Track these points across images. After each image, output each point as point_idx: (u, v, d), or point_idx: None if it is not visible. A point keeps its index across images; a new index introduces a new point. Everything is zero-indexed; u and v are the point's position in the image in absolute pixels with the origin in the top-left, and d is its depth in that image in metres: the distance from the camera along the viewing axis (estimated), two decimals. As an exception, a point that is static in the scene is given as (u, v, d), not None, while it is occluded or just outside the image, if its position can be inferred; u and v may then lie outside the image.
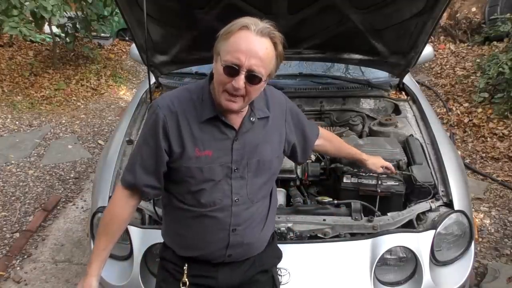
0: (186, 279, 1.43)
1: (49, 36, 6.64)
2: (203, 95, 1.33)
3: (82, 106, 5.78)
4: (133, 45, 2.89)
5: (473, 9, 7.50)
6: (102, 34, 6.79)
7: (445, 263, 1.86)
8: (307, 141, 1.60)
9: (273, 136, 1.43)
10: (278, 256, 1.61)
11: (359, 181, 2.03)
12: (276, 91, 1.51)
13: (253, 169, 1.38)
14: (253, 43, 1.20)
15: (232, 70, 1.21)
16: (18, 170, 4.08)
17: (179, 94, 1.37)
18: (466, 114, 4.92)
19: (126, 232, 1.86)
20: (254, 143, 1.37)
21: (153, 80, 2.75)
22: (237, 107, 1.28)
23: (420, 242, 1.81)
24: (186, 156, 1.32)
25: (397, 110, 2.75)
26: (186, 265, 1.44)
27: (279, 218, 1.82)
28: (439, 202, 1.95)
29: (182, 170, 1.34)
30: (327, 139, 1.76)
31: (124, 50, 7.71)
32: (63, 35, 6.25)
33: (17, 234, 3.19)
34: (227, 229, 1.38)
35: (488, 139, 4.40)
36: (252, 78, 1.22)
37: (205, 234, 1.40)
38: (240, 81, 1.21)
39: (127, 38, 8.19)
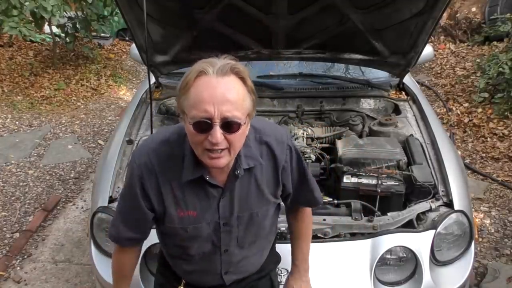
0: None
1: (49, 36, 6.64)
2: (185, 152, 1.17)
3: (82, 106, 5.77)
4: (133, 45, 2.89)
5: (473, 9, 7.50)
6: (102, 34, 6.79)
7: (445, 263, 1.86)
8: (300, 194, 1.39)
9: (266, 185, 1.27)
10: (277, 260, 1.59)
11: (359, 181, 2.04)
12: (277, 137, 1.27)
13: (245, 221, 1.28)
14: (216, 87, 1.03)
15: (203, 125, 1.04)
16: (18, 170, 4.08)
17: (159, 149, 1.20)
18: (466, 114, 4.92)
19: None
20: (244, 197, 1.24)
21: (153, 80, 2.75)
22: (225, 163, 1.11)
23: (420, 242, 1.82)
24: (168, 216, 1.23)
25: (397, 110, 2.75)
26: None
27: (279, 218, 1.81)
28: (439, 202, 1.95)
29: (167, 228, 1.27)
30: (301, 218, 1.51)
31: (124, 50, 7.71)
32: (63, 35, 6.25)
33: (17, 234, 3.19)
34: (218, 273, 1.36)
35: (488, 139, 4.39)
36: (229, 126, 1.05)
37: (197, 274, 1.38)
38: (217, 134, 1.04)
39: (127, 38, 8.19)
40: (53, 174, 4.04)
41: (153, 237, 1.80)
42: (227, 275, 1.37)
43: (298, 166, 1.33)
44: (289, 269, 1.63)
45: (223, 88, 1.03)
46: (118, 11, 3.90)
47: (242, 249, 1.33)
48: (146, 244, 1.81)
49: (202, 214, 1.23)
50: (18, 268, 2.88)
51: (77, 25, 6.14)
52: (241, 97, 1.07)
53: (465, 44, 7.24)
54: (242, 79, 1.08)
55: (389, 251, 1.81)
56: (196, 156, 1.14)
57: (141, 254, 1.81)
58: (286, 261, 1.64)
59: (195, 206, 1.22)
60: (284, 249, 1.66)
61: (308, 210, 1.51)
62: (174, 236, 1.28)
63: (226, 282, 1.38)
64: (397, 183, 2.01)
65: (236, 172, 1.20)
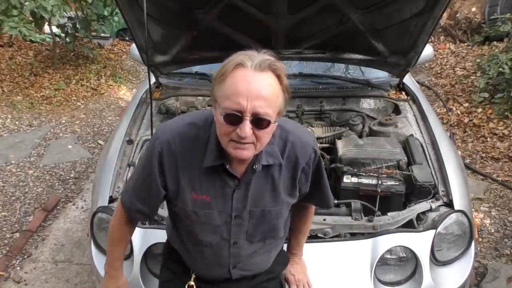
0: (193, 283, 1.40)
1: (49, 36, 6.64)
2: (210, 138, 1.18)
3: (82, 106, 5.77)
4: (133, 45, 2.89)
5: (473, 9, 7.50)
6: (102, 34, 6.79)
7: (445, 263, 1.86)
8: (312, 197, 1.41)
9: (283, 185, 1.27)
10: (286, 262, 1.59)
11: (359, 181, 2.04)
12: (304, 139, 1.27)
13: (256, 217, 1.27)
14: (252, 82, 1.03)
15: (234, 118, 1.05)
16: (18, 170, 4.08)
17: (184, 131, 1.21)
18: (466, 114, 4.92)
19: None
20: (258, 193, 1.24)
21: (153, 80, 2.75)
22: (249, 155, 1.12)
23: (420, 242, 1.81)
24: (182, 197, 1.24)
25: (397, 110, 2.75)
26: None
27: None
28: (439, 202, 1.95)
29: (178, 209, 1.27)
30: (305, 216, 1.53)
31: (124, 50, 7.71)
32: (63, 35, 6.25)
33: (17, 234, 3.19)
34: (226, 266, 1.35)
35: (488, 139, 4.40)
36: (259, 122, 1.05)
37: (205, 266, 1.37)
38: (246, 128, 1.04)
39: (127, 38, 8.19)
40: (53, 174, 4.04)
41: (153, 237, 1.81)
42: (235, 270, 1.37)
43: (318, 171, 1.33)
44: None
45: (259, 84, 1.04)
46: (118, 11, 3.91)
47: (251, 244, 1.33)
48: (146, 244, 1.83)
49: (216, 201, 1.23)
50: (18, 268, 2.88)
51: (77, 25, 6.14)
52: (275, 95, 1.07)
53: (465, 44, 7.24)
54: (279, 77, 1.08)
55: (389, 251, 1.81)
56: (220, 143, 1.14)
57: (141, 254, 1.83)
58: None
59: (209, 192, 1.22)
60: (284, 249, 1.66)
61: (313, 208, 1.53)
62: (185, 219, 1.29)
63: (234, 276, 1.37)
64: (397, 183, 2.01)
65: (254, 167, 1.20)
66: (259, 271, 1.43)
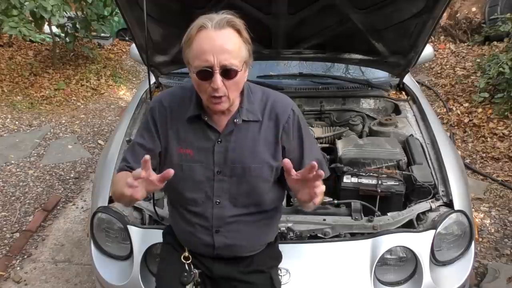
0: (188, 254, 1.47)
1: (49, 36, 6.64)
2: (193, 94, 1.33)
3: (82, 106, 5.78)
4: (133, 45, 2.89)
5: (473, 9, 7.50)
6: (102, 34, 6.79)
7: (445, 263, 1.86)
8: (302, 162, 1.38)
9: (264, 143, 1.34)
10: (277, 258, 1.60)
11: (359, 181, 2.04)
12: (283, 100, 1.39)
13: (238, 174, 1.34)
14: (215, 39, 1.17)
15: (205, 74, 1.19)
16: (18, 170, 4.08)
17: (174, 91, 1.42)
18: (466, 114, 4.92)
19: (126, 232, 1.86)
20: (239, 148, 1.33)
21: (153, 80, 2.75)
22: (225, 106, 1.26)
23: (420, 242, 1.81)
24: (169, 151, 1.35)
25: (397, 110, 2.75)
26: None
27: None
28: (439, 202, 1.95)
29: (165, 164, 1.35)
30: None
31: (124, 50, 7.71)
32: (63, 35, 6.25)
33: (17, 234, 3.19)
34: (209, 229, 1.40)
35: (488, 139, 4.39)
36: (228, 72, 1.19)
37: (191, 232, 1.43)
38: (217, 80, 1.18)
39: (127, 38, 8.19)
40: (53, 174, 4.04)
41: (153, 237, 1.81)
42: (218, 235, 1.40)
43: (298, 131, 1.37)
44: (289, 269, 1.63)
45: (221, 40, 1.17)
46: (118, 11, 3.91)
47: (235, 207, 1.38)
48: (146, 244, 1.83)
49: (198, 154, 1.34)
50: (18, 268, 2.88)
51: (77, 25, 6.14)
52: (237, 47, 1.20)
53: (465, 44, 7.24)
54: (238, 31, 1.21)
55: (389, 251, 1.81)
56: (200, 98, 1.29)
57: (141, 254, 1.83)
58: (286, 261, 1.65)
59: (193, 145, 1.34)
60: (284, 249, 1.66)
61: None
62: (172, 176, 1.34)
63: (216, 244, 1.40)
64: (397, 183, 2.01)
65: (235, 120, 1.32)
66: (243, 244, 1.44)
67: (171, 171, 1.12)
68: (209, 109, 1.31)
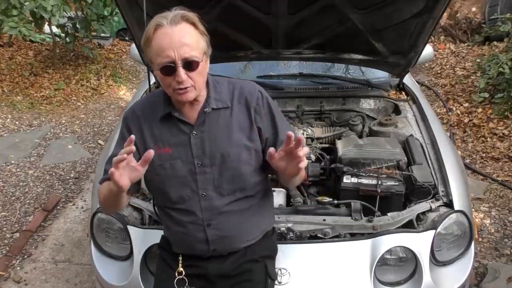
0: (182, 269, 1.47)
1: (49, 36, 6.64)
2: (161, 96, 1.38)
3: (82, 106, 5.78)
4: (133, 45, 2.89)
5: (473, 9, 7.50)
6: (102, 34, 6.79)
7: (445, 263, 1.86)
8: (277, 138, 1.42)
9: (238, 127, 1.38)
10: (272, 249, 1.60)
11: (359, 181, 2.03)
12: (250, 84, 1.46)
13: (218, 162, 1.37)
14: (172, 35, 1.21)
15: (169, 69, 1.23)
16: (18, 170, 4.08)
17: (145, 99, 1.48)
18: (466, 114, 4.92)
19: (126, 232, 1.86)
20: (214, 136, 1.36)
21: (153, 80, 2.74)
22: (192, 96, 1.29)
23: (420, 242, 1.81)
24: None
25: (397, 110, 2.75)
26: (181, 256, 1.49)
27: (279, 218, 1.82)
28: (439, 202, 1.95)
29: (148, 168, 1.33)
30: None
31: (124, 50, 7.71)
32: (63, 35, 6.25)
33: (17, 234, 3.19)
34: (201, 224, 1.41)
35: (488, 139, 4.39)
36: (190, 64, 1.23)
37: (184, 233, 1.43)
38: (181, 73, 1.22)
39: (127, 38, 8.19)
40: (53, 174, 4.04)
41: (153, 237, 1.81)
42: (210, 229, 1.40)
43: (269, 110, 1.42)
44: (289, 269, 1.63)
45: (178, 35, 1.22)
46: (118, 11, 3.92)
47: (222, 196, 1.39)
48: (146, 245, 1.83)
49: (177, 151, 1.37)
50: (18, 268, 2.88)
51: (77, 25, 6.15)
52: (195, 40, 1.25)
53: (465, 44, 7.24)
54: (193, 24, 1.25)
55: (389, 251, 1.81)
56: (168, 97, 1.35)
57: (141, 255, 1.83)
58: (286, 261, 1.65)
59: (170, 143, 1.37)
60: (284, 249, 1.66)
61: None
62: (155, 178, 1.39)
63: (210, 238, 1.41)
64: (397, 183, 2.01)
65: (205, 110, 1.35)
66: (236, 235, 1.45)
67: (151, 151, 1.15)
68: (178, 104, 1.35)
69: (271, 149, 1.21)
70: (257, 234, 1.51)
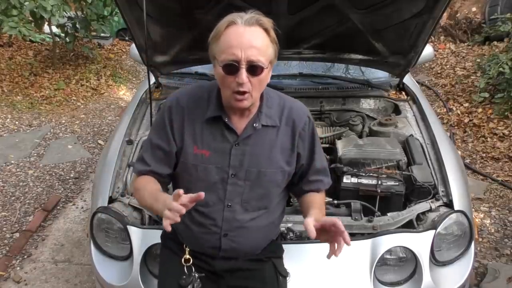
0: (189, 256, 1.44)
1: (49, 36, 6.64)
2: (212, 94, 1.33)
3: (82, 106, 5.77)
4: (133, 45, 2.88)
5: (473, 9, 7.50)
6: (102, 34, 6.78)
7: (445, 263, 1.86)
8: (311, 168, 1.42)
9: (280, 149, 1.35)
10: (278, 250, 1.58)
11: (359, 181, 2.04)
12: (299, 106, 1.41)
13: (252, 178, 1.34)
14: (244, 35, 1.18)
15: (231, 68, 1.18)
16: (18, 170, 4.08)
17: (191, 91, 1.39)
18: (466, 114, 4.92)
19: (126, 232, 1.86)
20: (256, 152, 1.32)
21: (153, 80, 2.75)
22: (248, 104, 1.25)
23: (420, 242, 1.81)
24: (184, 151, 1.33)
25: (397, 110, 2.75)
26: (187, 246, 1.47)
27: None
28: (439, 202, 1.95)
29: (180, 164, 1.35)
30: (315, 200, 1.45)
31: (124, 50, 7.71)
32: (63, 35, 6.25)
33: (17, 234, 3.19)
34: (218, 232, 1.38)
35: (488, 139, 4.39)
36: (254, 69, 1.19)
37: (198, 233, 1.41)
38: (243, 75, 1.18)
39: (127, 38, 8.19)
40: (53, 174, 4.04)
41: (153, 237, 1.81)
42: (225, 238, 1.38)
43: (312, 138, 1.40)
44: (289, 269, 1.62)
45: (249, 36, 1.18)
46: (118, 11, 3.92)
47: (246, 211, 1.37)
48: (146, 245, 1.83)
49: (214, 156, 1.32)
50: (18, 268, 2.88)
51: (77, 25, 6.14)
52: (265, 45, 1.21)
53: (465, 44, 7.24)
54: (266, 30, 1.22)
55: (389, 251, 1.81)
56: (220, 99, 1.30)
57: (141, 255, 1.83)
58: (286, 261, 1.64)
59: (209, 146, 1.32)
60: (284, 249, 1.66)
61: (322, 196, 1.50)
62: (185, 175, 1.36)
63: (223, 246, 1.39)
64: (397, 183, 2.01)
65: (254, 124, 1.31)
66: (247, 249, 1.44)
67: (201, 195, 1.10)
68: (229, 110, 1.30)
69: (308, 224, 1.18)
70: (265, 245, 1.50)
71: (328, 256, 1.20)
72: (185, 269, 1.42)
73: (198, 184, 1.33)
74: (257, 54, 1.18)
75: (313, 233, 1.17)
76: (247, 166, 1.32)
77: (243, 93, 1.21)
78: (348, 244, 1.16)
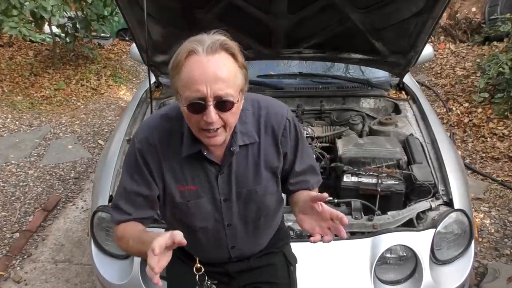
0: (200, 265, 1.37)
1: (49, 36, 6.64)
2: (183, 125, 1.18)
3: (82, 106, 5.78)
4: (133, 45, 2.89)
5: (473, 9, 7.51)
6: (102, 34, 6.78)
7: (445, 262, 1.86)
8: (294, 165, 1.32)
9: (266, 163, 1.26)
10: (285, 236, 1.56)
11: (359, 180, 2.04)
12: (276, 109, 1.26)
13: (244, 197, 1.27)
14: (208, 66, 1.02)
15: (197, 106, 1.04)
16: (18, 170, 4.08)
17: (159, 125, 1.22)
18: (466, 114, 4.92)
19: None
20: (241, 173, 1.24)
21: (153, 79, 2.75)
22: (221, 140, 1.13)
23: (420, 241, 1.82)
24: (168, 191, 1.23)
25: (397, 110, 2.76)
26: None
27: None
28: (439, 201, 1.95)
29: (167, 202, 1.26)
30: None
31: (124, 50, 7.71)
32: (63, 35, 6.25)
33: (17, 234, 3.19)
34: (225, 247, 1.36)
35: (488, 139, 4.40)
36: (223, 105, 1.05)
37: (205, 249, 1.37)
38: (211, 114, 1.04)
39: (127, 38, 8.19)
40: (53, 174, 4.04)
41: (153, 236, 1.81)
42: (234, 250, 1.37)
43: (295, 136, 1.29)
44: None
45: (214, 67, 1.02)
46: (118, 11, 3.92)
47: (246, 223, 1.33)
48: (146, 243, 1.83)
49: (202, 189, 1.24)
50: (18, 268, 2.88)
51: (77, 25, 6.15)
52: (232, 74, 1.06)
53: (465, 44, 7.24)
54: (233, 55, 1.07)
55: (389, 250, 1.82)
56: (194, 134, 1.16)
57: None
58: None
59: (194, 181, 1.23)
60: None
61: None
62: (176, 211, 1.27)
63: (233, 255, 1.37)
64: (397, 182, 2.01)
65: (231, 149, 1.20)
66: (258, 250, 1.43)
67: (183, 242, 0.99)
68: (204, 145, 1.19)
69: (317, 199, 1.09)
70: (272, 237, 1.48)
71: (314, 240, 1.11)
72: (197, 278, 1.36)
73: (193, 217, 1.28)
74: (225, 88, 1.03)
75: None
76: (236, 188, 1.25)
77: (215, 129, 1.09)
78: (343, 238, 1.12)
